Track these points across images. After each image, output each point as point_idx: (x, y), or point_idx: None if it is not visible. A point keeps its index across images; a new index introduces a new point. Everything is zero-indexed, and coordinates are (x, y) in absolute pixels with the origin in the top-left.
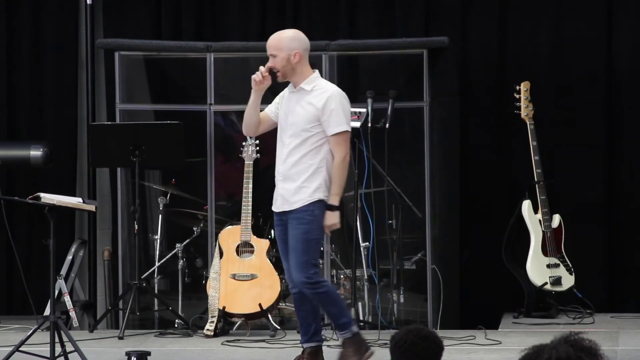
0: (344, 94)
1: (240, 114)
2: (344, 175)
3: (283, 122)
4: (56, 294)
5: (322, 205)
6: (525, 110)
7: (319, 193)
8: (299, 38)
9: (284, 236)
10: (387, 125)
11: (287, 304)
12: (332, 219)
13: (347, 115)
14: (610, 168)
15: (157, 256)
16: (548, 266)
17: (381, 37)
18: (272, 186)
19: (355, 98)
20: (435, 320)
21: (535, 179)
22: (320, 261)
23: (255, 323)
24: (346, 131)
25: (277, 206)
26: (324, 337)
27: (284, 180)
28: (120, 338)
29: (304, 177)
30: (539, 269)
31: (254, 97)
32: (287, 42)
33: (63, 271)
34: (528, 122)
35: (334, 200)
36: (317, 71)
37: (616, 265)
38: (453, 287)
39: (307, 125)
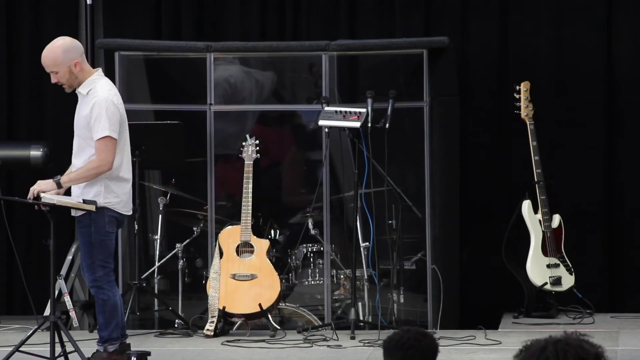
0: (112, 99)
1: (241, 114)
2: (86, 177)
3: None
4: (56, 294)
5: (101, 210)
6: (525, 110)
7: (98, 199)
8: (72, 46)
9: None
10: (387, 125)
11: (287, 304)
12: (46, 185)
13: (112, 122)
14: (610, 168)
15: (157, 256)
16: (548, 266)
17: (381, 37)
18: (272, 186)
19: (355, 98)
20: (435, 320)
21: (535, 179)
22: (320, 261)
23: (255, 323)
24: (108, 137)
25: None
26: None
27: (74, 186)
28: None
29: (84, 183)
30: (539, 269)
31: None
32: (62, 55)
33: (63, 271)
34: (528, 122)
35: (64, 179)
36: (99, 70)
37: (616, 265)
38: (453, 287)
39: (83, 130)
